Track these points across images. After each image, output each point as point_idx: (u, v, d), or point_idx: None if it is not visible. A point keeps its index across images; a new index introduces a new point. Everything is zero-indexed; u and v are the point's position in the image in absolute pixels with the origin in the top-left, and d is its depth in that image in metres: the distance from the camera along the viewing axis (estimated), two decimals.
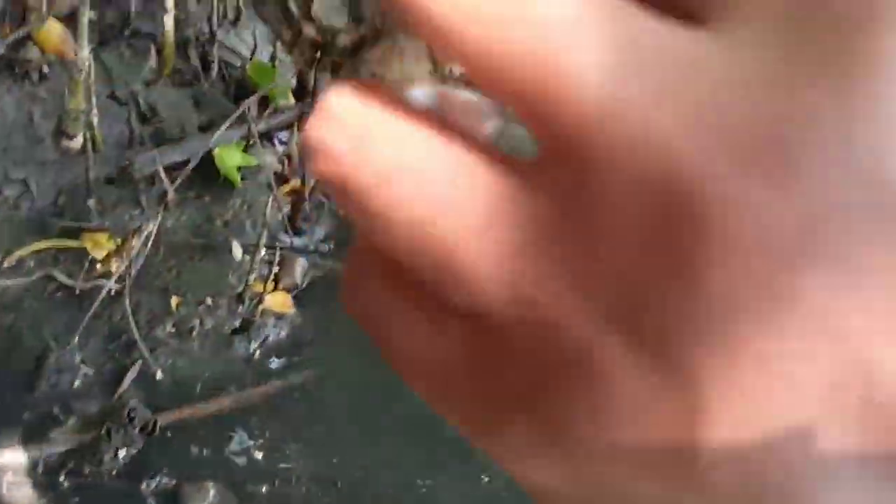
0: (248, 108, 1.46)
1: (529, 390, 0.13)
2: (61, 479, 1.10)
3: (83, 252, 1.29)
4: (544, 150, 0.12)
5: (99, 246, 1.29)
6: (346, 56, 0.76)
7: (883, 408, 0.12)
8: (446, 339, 0.14)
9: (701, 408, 0.12)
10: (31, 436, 1.13)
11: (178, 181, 1.24)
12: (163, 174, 1.22)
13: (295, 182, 1.58)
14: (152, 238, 1.18)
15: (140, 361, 1.22)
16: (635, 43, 0.12)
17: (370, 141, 0.13)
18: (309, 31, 0.76)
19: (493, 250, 0.12)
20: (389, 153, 0.13)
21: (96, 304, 1.17)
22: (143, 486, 1.11)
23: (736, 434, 0.12)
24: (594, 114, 0.11)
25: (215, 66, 1.69)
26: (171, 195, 1.22)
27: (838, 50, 0.11)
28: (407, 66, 0.74)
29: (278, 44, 1.75)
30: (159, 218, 1.19)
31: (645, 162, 0.11)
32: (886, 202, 0.11)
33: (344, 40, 0.75)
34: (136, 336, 1.17)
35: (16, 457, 1.10)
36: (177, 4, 1.61)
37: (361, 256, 0.15)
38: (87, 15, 1.28)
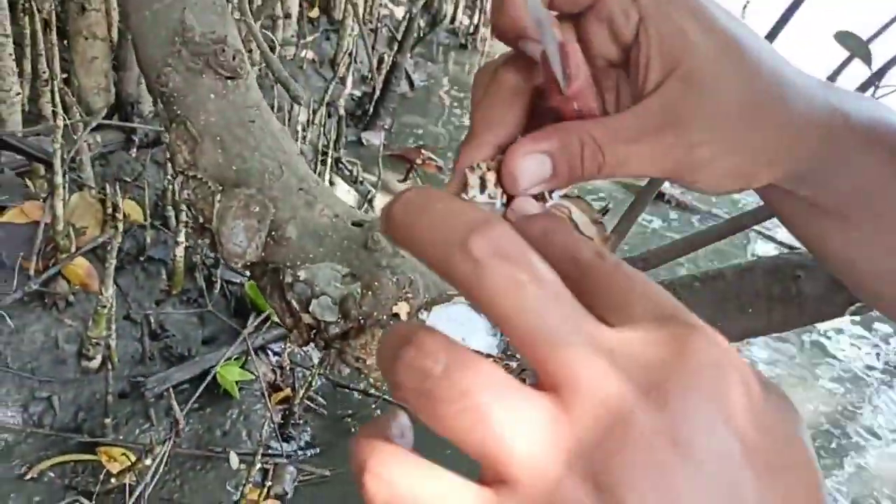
0: (247, 332, 1.68)
1: None
2: None
3: (99, 465, 1.46)
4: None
5: (114, 460, 1.46)
6: (336, 340, 1.08)
7: None
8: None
9: None
10: None
11: (188, 406, 1.44)
12: (174, 401, 1.41)
13: (286, 390, 1.78)
14: (165, 458, 1.36)
15: None
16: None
17: (448, 371, 0.20)
18: (307, 319, 1.06)
19: (521, 438, 0.20)
20: (459, 380, 0.20)
21: None
22: None
23: None
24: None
25: (218, 286, 1.93)
26: (181, 422, 1.41)
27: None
28: None
29: None
30: (171, 441, 1.37)
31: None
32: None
33: (334, 329, 1.05)
34: None
35: None
36: (187, 236, 1.86)
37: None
38: (112, 264, 1.52)
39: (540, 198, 0.35)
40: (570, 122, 0.34)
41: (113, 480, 1.41)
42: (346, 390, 1.87)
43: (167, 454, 1.36)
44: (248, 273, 1.23)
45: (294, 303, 1.14)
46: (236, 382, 1.67)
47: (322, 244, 1.20)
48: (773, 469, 0.21)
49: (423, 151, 2.82)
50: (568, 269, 0.24)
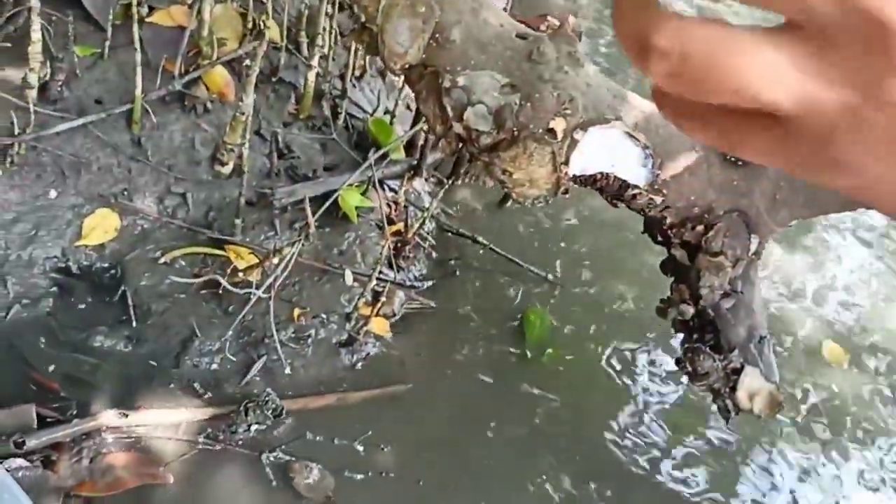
0: (370, 162, 1.71)
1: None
2: (199, 440, 1.34)
3: (227, 260, 1.55)
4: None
5: (241, 258, 1.54)
6: (485, 152, 1.11)
7: None
8: (751, 123, 0.25)
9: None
10: (178, 402, 1.37)
11: (317, 215, 1.49)
12: (308, 209, 1.47)
13: (400, 225, 1.83)
14: (293, 260, 1.42)
15: (265, 356, 1.46)
16: None
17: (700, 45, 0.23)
18: (458, 129, 1.09)
19: (787, 77, 0.23)
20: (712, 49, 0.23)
21: (245, 310, 1.42)
22: (263, 457, 1.34)
23: None
24: None
25: (342, 117, 1.96)
26: (312, 227, 1.47)
27: None
28: (532, 167, 1.10)
29: (397, 103, 2.01)
30: (300, 244, 1.43)
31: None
32: None
33: (486, 140, 1.09)
34: (275, 338, 1.42)
35: (165, 417, 1.34)
36: (318, 62, 1.88)
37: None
38: (255, 72, 1.55)
39: None
40: None
41: (240, 275, 1.49)
42: (454, 235, 1.91)
43: (294, 256, 1.42)
44: (404, 76, 1.24)
45: (449, 109, 1.15)
46: (356, 208, 1.72)
47: (485, 52, 1.20)
48: None
49: (548, 18, 2.75)
50: None
